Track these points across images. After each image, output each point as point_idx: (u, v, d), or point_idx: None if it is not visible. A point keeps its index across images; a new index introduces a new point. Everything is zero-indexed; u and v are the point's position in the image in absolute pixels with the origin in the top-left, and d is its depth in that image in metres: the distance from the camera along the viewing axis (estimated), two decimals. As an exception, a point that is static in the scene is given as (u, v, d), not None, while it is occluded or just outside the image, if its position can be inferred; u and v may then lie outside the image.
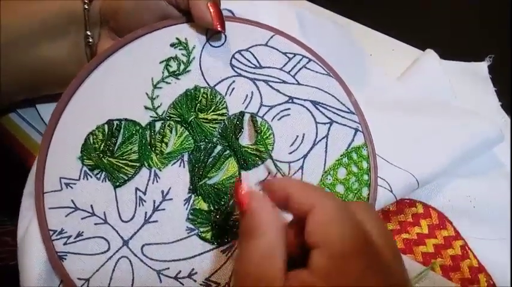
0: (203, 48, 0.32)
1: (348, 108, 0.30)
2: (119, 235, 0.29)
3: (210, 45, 0.32)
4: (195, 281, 0.28)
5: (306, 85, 0.31)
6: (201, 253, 0.28)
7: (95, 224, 0.29)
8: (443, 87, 0.38)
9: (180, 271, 0.28)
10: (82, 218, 0.29)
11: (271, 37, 0.32)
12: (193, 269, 0.28)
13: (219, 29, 0.30)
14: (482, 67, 0.44)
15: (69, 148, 0.31)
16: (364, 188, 0.29)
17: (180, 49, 0.32)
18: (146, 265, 0.28)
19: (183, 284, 0.28)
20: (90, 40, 0.34)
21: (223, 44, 0.32)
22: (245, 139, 0.30)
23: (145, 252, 0.28)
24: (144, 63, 0.32)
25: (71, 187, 0.30)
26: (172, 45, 0.32)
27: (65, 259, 0.29)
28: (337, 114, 0.30)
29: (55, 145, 0.31)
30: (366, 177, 0.29)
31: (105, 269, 0.28)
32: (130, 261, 0.28)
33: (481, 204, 0.33)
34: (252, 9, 0.35)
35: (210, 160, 0.30)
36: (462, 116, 0.35)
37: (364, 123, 0.30)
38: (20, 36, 0.32)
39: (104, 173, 0.30)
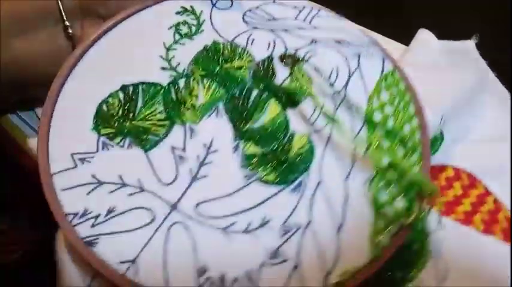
0: (211, 11, 0.31)
1: (369, 42, 0.31)
2: (163, 200, 0.23)
3: (217, 8, 0.31)
4: (271, 229, 0.23)
5: (323, 28, 0.31)
6: (268, 198, 0.24)
7: (129, 195, 0.23)
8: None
9: (251, 223, 0.23)
10: (110, 192, 0.23)
11: (277, -5, 0.33)
12: (265, 218, 0.23)
13: None
14: (469, 45, 0.43)
15: (78, 121, 0.26)
16: (410, 105, 0.28)
17: (187, 15, 0.31)
18: (207, 225, 0.23)
19: (258, 237, 0.23)
20: (70, 31, 0.31)
21: (230, 6, 0.32)
22: (279, 81, 0.28)
23: (201, 211, 0.23)
24: (151, 31, 0.30)
25: (88, 161, 0.24)
26: (178, 13, 0.31)
27: (96, 243, 0.22)
28: (361, 47, 0.30)
29: (58, 121, 0.26)
30: (407, 96, 0.29)
31: (154, 243, 0.22)
32: (185, 226, 0.23)
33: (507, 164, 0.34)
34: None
35: (250, 104, 0.27)
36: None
37: (386, 53, 0.30)
38: None
39: (128, 138, 0.25)
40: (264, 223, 0.23)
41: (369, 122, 0.27)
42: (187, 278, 0.21)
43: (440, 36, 0.43)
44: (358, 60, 0.30)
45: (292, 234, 0.23)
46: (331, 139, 0.26)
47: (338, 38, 0.31)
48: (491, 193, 0.34)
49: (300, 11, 0.32)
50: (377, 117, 0.27)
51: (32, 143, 0.28)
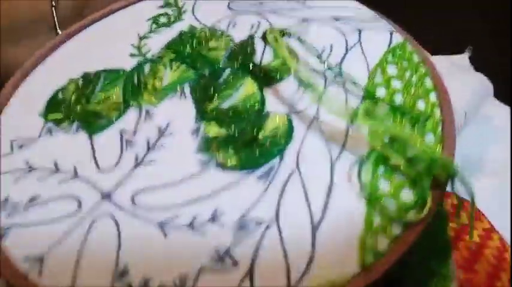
0: (195, 2, 0.28)
1: (374, 17, 0.26)
2: (96, 188, 0.19)
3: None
4: (222, 225, 0.17)
5: (319, 7, 0.27)
6: (226, 187, 0.18)
7: (60, 182, 0.19)
8: None
9: (196, 216, 0.17)
10: (39, 179, 0.19)
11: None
12: (217, 210, 0.17)
13: None
14: (464, 58, 0.42)
15: (28, 107, 0.23)
16: (427, 79, 0.22)
17: (169, 7, 0.28)
18: (140, 218, 0.18)
19: (204, 234, 0.17)
20: None
21: (215, -3, 0.29)
22: (259, 60, 0.24)
23: (138, 202, 0.18)
24: (129, 25, 0.27)
25: (27, 147, 0.21)
26: (160, 7, 0.29)
27: (3, 236, 0.18)
28: (363, 22, 0.25)
29: (11, 107, 0.23)
30: (422, 69, 0.22)
31: (71, 237, 0.17)
32: (114, 218, 0.18)
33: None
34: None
35: (221, 81, 0.23)
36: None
37: (397, 27, 0.25)
38: None
39: (76, 123, 0.22)
40: (214, 217, 0.17)
41: (368, 98, 0.21)
42: (100, 282, 0.16)
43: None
44: (359, 34, 0.24)
45: (250, 232, 0.17)
46: (316, 119, 0.20)
47: (335, 15, 0.26)
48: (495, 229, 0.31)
49: (294, -6, 0.28)
50: (380, 93, 0.21)
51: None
